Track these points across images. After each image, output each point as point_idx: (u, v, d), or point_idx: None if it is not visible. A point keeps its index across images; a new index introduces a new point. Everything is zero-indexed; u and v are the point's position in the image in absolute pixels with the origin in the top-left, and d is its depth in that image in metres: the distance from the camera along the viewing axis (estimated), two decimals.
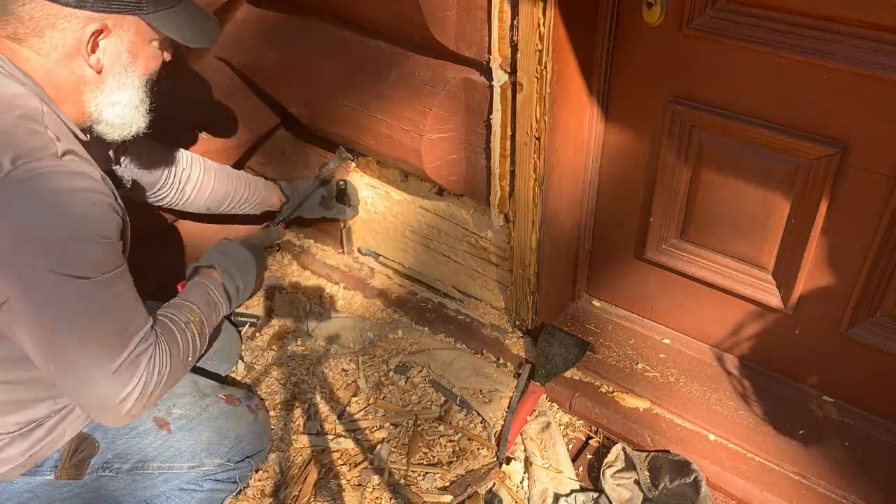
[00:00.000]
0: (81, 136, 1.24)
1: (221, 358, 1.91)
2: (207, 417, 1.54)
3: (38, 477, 1.36)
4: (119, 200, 1.21)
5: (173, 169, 1.77)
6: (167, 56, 1.32)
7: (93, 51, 1.17)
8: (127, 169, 1.66)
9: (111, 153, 1.58)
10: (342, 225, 2.28)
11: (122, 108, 1.26)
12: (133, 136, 1.32)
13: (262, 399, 1.76)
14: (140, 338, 1.20)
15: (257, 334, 2.13)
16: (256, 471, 1.71)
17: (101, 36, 1.17)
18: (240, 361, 2.04)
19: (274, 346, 2.08)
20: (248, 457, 1.61)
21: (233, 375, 2.00)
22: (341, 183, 2.10)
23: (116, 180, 1.62)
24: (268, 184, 2.03)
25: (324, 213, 2.13)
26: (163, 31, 1.24)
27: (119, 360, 1.16)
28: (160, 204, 1.81)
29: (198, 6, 1.31)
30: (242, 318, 2.13)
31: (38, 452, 1.34)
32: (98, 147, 1.35)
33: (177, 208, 1.87)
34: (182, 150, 1.82)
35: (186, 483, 1.52)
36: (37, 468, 1.35)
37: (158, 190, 1.76)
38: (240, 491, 1.66)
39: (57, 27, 1.13)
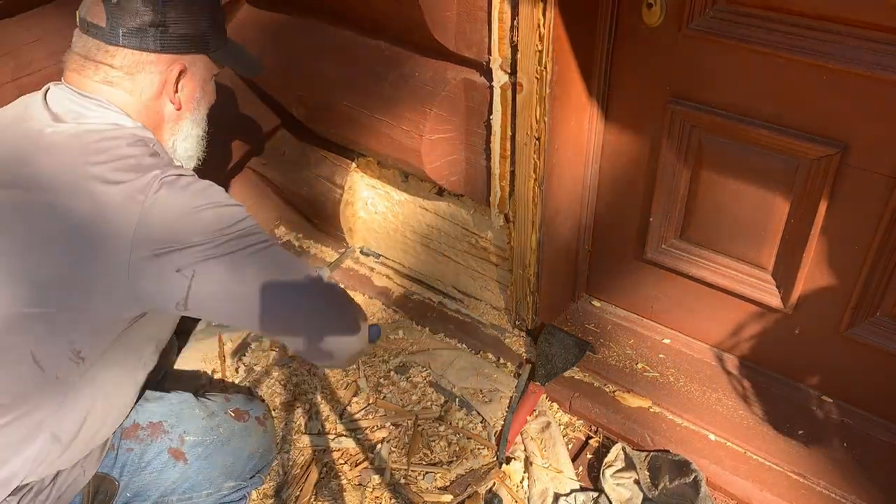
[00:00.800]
0: None
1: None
2: (220, 441, 1.50)
3: None
4: None
5: None
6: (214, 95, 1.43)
7: (176, 90, 1.29)
8: None
9: None
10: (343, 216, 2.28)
11: (192, 142, 1.38)
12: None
13: (266, 405, 1.75)
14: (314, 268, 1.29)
15: (259, 336, 2.13)
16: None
17: (182, 76, 1.28)
18: (240, 362, 2.05)
19: (275, 347, 2.09)
20: (258, 471, 1.60)
21: (233, 379, 2.00)
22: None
23: None
24: None
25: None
26: (227, 65, 1.39)
27: (321, 284, 1.27)
28: None
29: (238, 43, 1.43)
30: None
31: (64, 496, 1.30)
32: None
33: None
34: None
35: None
36: None
37: None
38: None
39: (146, 70, 1.24)
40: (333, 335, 1.28)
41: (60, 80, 1.26)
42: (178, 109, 1.32)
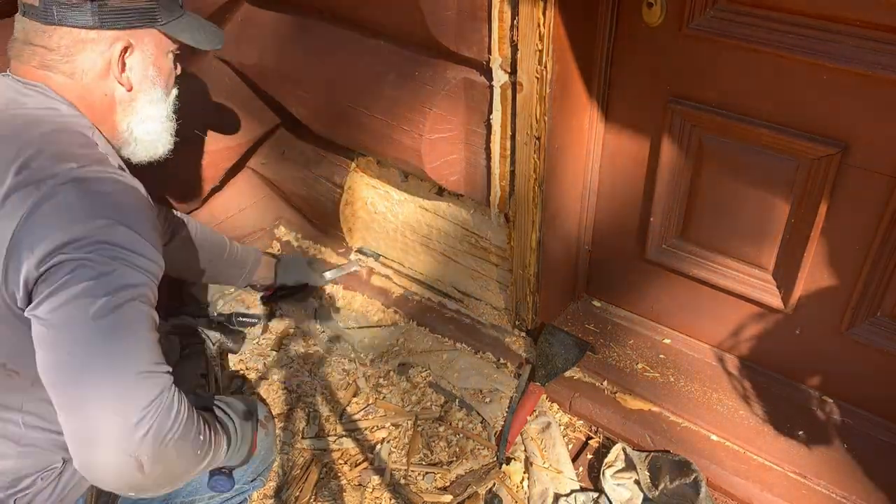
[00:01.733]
0: (119, 160, 1.25)
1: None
2: None
3: None
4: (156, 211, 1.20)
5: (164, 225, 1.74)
6: (179, 69, 1.35)
7: (122, 69, 1.20)
8: None
9: None
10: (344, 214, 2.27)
11: (152, 124, 1.29)
12: (160, 157, 1.34)
13: (267, 407, 1.75)
14: (158, 364, 1.04)
15: (261, 337, 2.12)
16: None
17: (128, 53, 1.20)
18: (241, 362, 2.04)
19: (276, 348, 2.08)
20: (259, 474, 1.59)
21: (233, 380, 2.00)
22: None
23: None
24: (260, 261, 2.01)
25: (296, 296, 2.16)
26: (179, 39, 1.28)
27: (135, 370, 1.00)
28: None
29: (198, 15, 1.35)
30: (244, 320, 2.12)
31: (68, 496, 1.29)
32: None
33: None
34: (177, 213, 1.81)
35: None
36: None
37: None
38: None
39: (86, 50, 1.15)
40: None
41: (6, 72, 1.20)
42: (130, 91, 1.23)
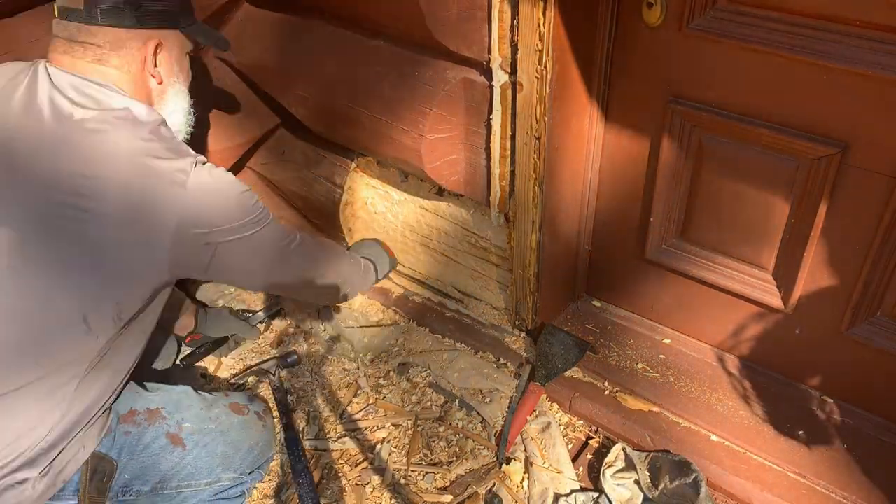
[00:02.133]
0: None
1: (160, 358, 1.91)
2: (220, 431, 1.52)
3: (62, 503, 1.35)
4: None
5: None
6: (191, 71, 1.52)
7: (154, 64, 1.37)
8: None
9: None
10: (344, 214, 2.27)
11: (178, 116, 1.46)
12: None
13: (266, 403, 1.76)
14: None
15: (261, 336, 2.12)
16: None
17: (158, 50, 1.37)
18: (241, 361, 2.04)
19: (276, 348, 2.08)
20: (258, 466, 1.60)
21: (233, 381, 2.00)
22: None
23: None
24: (185, 306, 2.01)
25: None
26: (199, 39, 1.46)
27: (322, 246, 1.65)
28: None
29: (203, 23, 1.53)
30: (249, 317, 2.12)
31: (65, 470, 1.32)
32: None
33: None
34: None
35: (201, 500, 1.50)
36: (60, 493, 1.33)
37: None
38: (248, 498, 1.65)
39: (127, 46, 1.32)
40: (330, 291, 1.69)
41: (45, 60, 1.32)
42: (160, 84, 1.40)
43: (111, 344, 1.31)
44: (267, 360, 2.01)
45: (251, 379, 1.99)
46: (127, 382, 1.46)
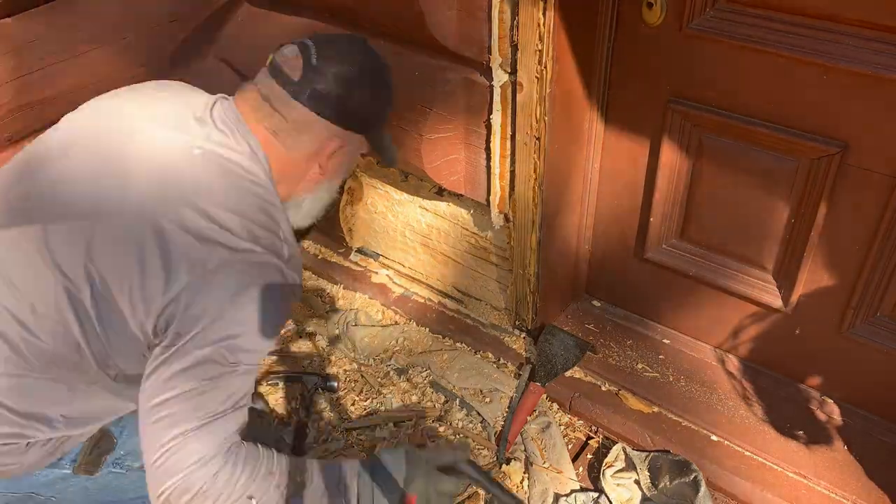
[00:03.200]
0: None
1: None
2: None
3: (57, 470, 1.36)
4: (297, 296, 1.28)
5: None
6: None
7: (328, 159, 1.32)
8: None
9: None
10: (344, 214, 2.27)
11: (318, 205, 1.42)
12: (304, 228, 1.45)
13: (265, 400, 1.76)
14: (237, 430, 1.15)
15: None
16: None
17: (339, 149, 1.31)
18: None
19: (275, 347, 2.09)
20: None
21: (267, 380, 1.99)
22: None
23: None
24: None
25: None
26: (375, 148, 1.41)
27: (217, 420, 1.12)
28: None
29: (386, 134, 1.47)
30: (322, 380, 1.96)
31: (65, 445, 1.34)
32: None
33: None
34: None
35: None
36: (58, 461, 1.35)
37: None
38: None
39: (312, 132, 1.27)
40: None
41: (230, 98, 1.29)
42: (322, 175, 1.34)
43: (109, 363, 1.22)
44: (310, 374, 1.92)
45: (266, 384, 1.96)
46: None
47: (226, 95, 1.30)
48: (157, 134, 1.22)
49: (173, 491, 1.08)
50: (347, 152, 1.35)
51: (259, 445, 1.19)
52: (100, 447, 1.40)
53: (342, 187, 2.15)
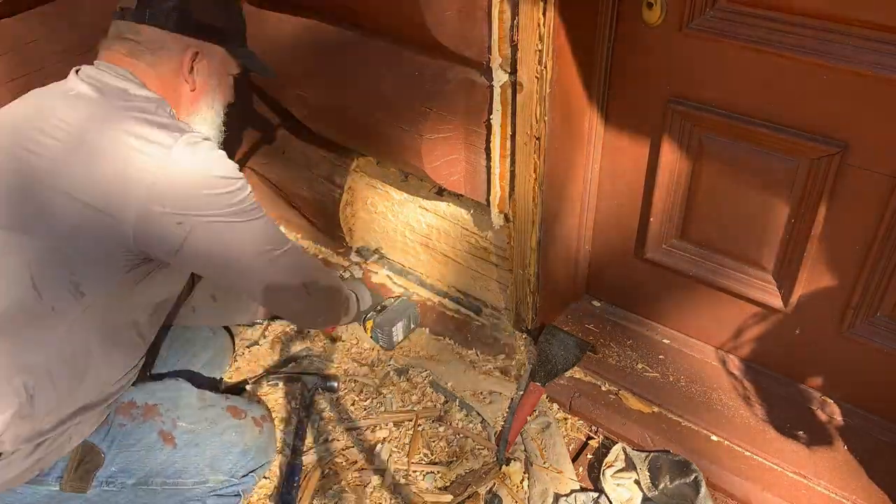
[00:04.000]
0: None
1: (210, 365, 1.90)
2: (213, 432, 1.52)
3: (42, 487, 1.34)
4: None
5: None
6: (232, 95, 1.57)
7: (190, 70, 1.42)
8: None
9: None
10: (344, 214, 2.27)
11: (205, 127, 1.50)
12: None
13: (267, 408, 1.75)
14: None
15: (260, 338, 2.12)
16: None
17: (196, 59, 1.43)
18: (242, 362, 2.04)
19: (276, 348, 2.08)
20: (252, 471, 1.60)
21: (236, 378, 2.00)
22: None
23: None
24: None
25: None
26: (245, 63, 1.54)
27: (292, 247, 1.45)
28: None
29: (253, 52, 1.58)
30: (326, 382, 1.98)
31: (45, 458, 1.33)
32: None
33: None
34: None
35: (189, 499, 1.51)
36: (43, 477, 1.34)
37: None
38: (244, 500, 1.65)
39: (166, 47, 1.39)
40: (310, 312, 1.60)
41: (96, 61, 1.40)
42: (193, 90, 1.45)
43: (74, 318, 1.29)
44: (310, 373, 1.94)
45: (266, 385, 1.95)
46: (124, 387, 1.46)
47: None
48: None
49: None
50: (210, 65, 1.46)
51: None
52: (86, 463, 1.38)
53: (342, 188, 2.16)
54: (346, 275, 2.19)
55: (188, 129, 1.35)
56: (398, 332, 2.02)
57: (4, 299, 1.25)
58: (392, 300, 2.07)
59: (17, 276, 1.25)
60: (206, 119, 1.50)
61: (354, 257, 2.32)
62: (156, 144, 1.25)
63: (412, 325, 2.07)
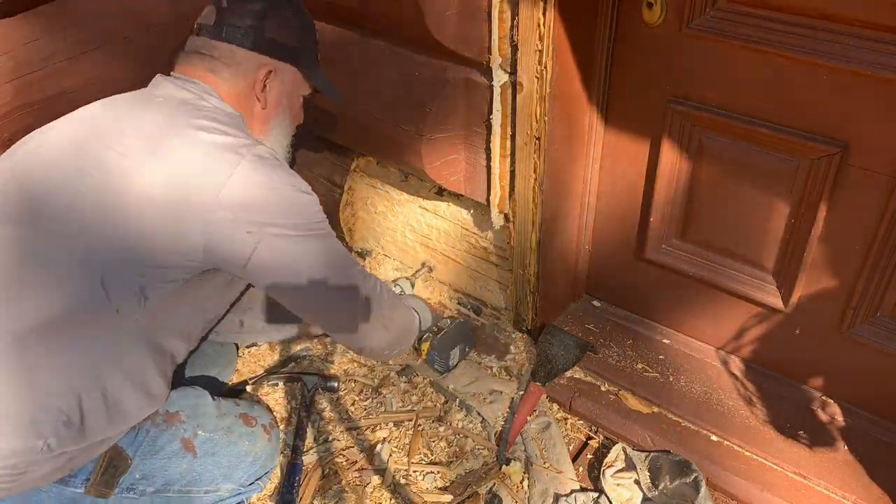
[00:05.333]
0: None
1: (224, 371, 1.90)
2: (228, 441, 1.52)
3: (68, 489, 1.33)
4: None
5: None
6: (302, 117, 1.58)
7: (262, 88, 1.43)
8: None
9: None
10: (344, 214, 2.27)
11: (275, 145, 1.50)
12: None
13: (272, 414, 1.75)
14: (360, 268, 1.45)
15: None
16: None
17: (269, 77, 1.44)
18: (241, 364, 2.04)
19: (275, 349, 2.08)
20: (258, 478, 1.60)
21: (236, 378, 2.00)
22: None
23: None
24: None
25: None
26: (312, 82, 1.54)
27: (360, 274, 1.43)
28: None
29: (325, 77, 1.58)
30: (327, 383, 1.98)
31: (78, 458, 1.32)
32: None
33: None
34: None
35: None
36: (70, 478, 1.33)
37: None
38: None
39: (241, 65, 1.41)
40: (365, 339, 1.48)
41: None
42: (264, 109, 1.46)
43: (134, 322, 1.28)
44: (310, 373, 1.94)
45: (266, 385, 1.95)
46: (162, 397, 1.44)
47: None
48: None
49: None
50: (282, 84, 1.47)
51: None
52: (114, 466, 1.38)
53: (342, 188, 2.16)
54: (397, 289, 2.09)
55: (259, 143, 1.36)
56: (455, 357, 1.94)
57: (72, 298, 1.24)
58: (448, 321, 1.94)
59: (87, 273, 1.24)
60: (275, 138, 1.51)
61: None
62: (229, 152, 1.26)
63: (467, 349, 1.98)
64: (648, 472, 1.63)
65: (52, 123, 1.37)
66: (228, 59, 1.40)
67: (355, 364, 2.02)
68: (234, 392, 1.92)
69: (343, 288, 1.40)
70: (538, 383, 1.85)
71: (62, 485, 1.32)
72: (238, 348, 2.05)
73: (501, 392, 1.88)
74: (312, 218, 1.33)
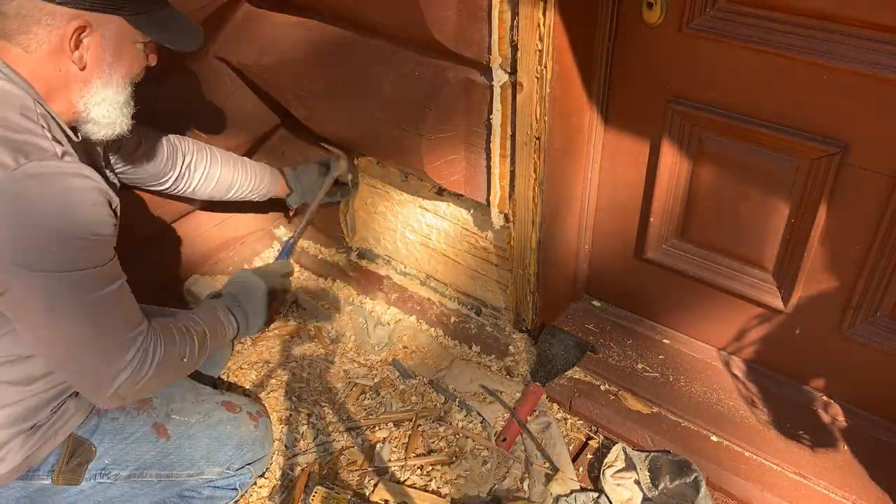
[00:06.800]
0: (74, 136, 1.27)
1: (209, 364, 1.90)
2: (207, 425, 1.54)
3: (34, 482, 1.35)
4: (114, 200, 1.24)
5: (178, 159, 1.77)
6: (152, 60, 1.33)
7: (76, 47, 1.19)
8: (125, 163, 1.66)
9: (100, 151, 1.51)
10: (345, 213, 2.27)
11: (109, 108, 1.28)
12: (117, 136, 1.34)
13: (263, 405, 1.76)
14: (135, 326, 1.26)
15: (261, 338, 2.12)
16: (261, 476, 1.70)
17: (84, 33, 1.18)
18: (239, 369, 2.04)
19: (277, 348, 2.09)
20: (248, 464, 1.61)
21: (235, 379, 2.00)
22: (348, 176, 2.08)
23: (108, 180, 1.53)
24: (273, 172, 2.01)
25: (329, 200, 2.12)
26: (145, 33, 1.27)
27: (113, 340, 1.22)
28: (164, 191, 1.82)
29: (181, 12, 1.33)
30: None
31: (35, 454, 1.34)
32: (90, 147, 1.39)
33: (182, 195, 1.88)
34: (189, 139, 1.83)
35: (186, 490, 1.52)
36: (33, 472, 1.35)
37: (164, 180, 1.77)
38: (241, 496, 1.66)
39: (42, 23, 1.14)
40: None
41: None
42: (83, 70, 1.22)
43: None
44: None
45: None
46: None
47: None
48: None
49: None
50: (104, 38, 1.21)
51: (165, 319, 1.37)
52: (78, 456, 1.39)
53: (341, 188, 2.15)
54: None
55: (47, 146, 1.14)
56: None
57: None
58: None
59: None
60: (104, 98, 1.26)
61: (354, 257, 2.32)
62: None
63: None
64: (648, 472, 1.63)
65: None
66: (25, 19, 1.13)
67: (355, 365, 2.03)
68: (231, 388, 1.93)
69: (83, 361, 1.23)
70: (538, 383, 1.85)
71: (26, 480, 1.34)
72: (233, 346, 2.06)
73: (500, 391, 1.88)
74: (80, 263, 1.15)
